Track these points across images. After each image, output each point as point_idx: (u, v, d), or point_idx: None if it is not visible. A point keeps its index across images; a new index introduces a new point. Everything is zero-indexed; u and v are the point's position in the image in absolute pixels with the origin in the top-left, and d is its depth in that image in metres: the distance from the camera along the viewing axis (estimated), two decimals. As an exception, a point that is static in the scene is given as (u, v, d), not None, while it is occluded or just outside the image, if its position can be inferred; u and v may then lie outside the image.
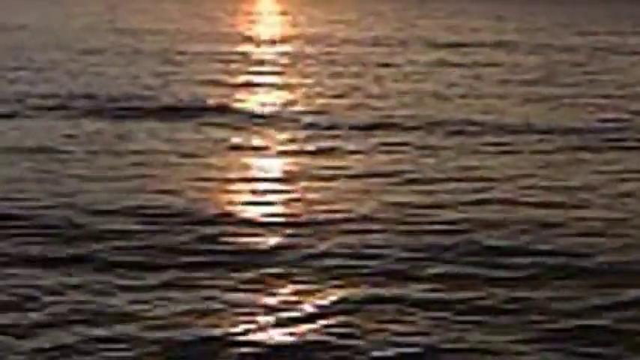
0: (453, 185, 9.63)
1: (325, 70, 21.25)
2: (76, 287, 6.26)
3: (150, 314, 5.78)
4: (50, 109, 14.42)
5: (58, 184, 9.35)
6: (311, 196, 9.04)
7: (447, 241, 7.52)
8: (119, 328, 5.53)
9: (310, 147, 11.63)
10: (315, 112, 14.57)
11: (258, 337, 5.45)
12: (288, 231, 7.75)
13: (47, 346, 5.24)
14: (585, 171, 10.52)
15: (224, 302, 6.02)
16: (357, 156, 11.14)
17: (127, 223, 7.89)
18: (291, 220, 8.11)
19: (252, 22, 42.49)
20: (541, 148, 11.87)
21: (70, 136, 12.16)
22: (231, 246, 7.29)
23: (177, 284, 6.37)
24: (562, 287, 6.46)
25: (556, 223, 8.15)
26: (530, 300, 6.18)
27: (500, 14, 55.24)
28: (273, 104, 15.32)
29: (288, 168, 10.37)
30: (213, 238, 7.48)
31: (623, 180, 10.07)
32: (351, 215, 8.30)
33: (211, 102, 15.34)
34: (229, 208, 8.46)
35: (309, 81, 18.89)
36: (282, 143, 11.88)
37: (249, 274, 6.60)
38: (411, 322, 5.74)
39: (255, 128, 13.06)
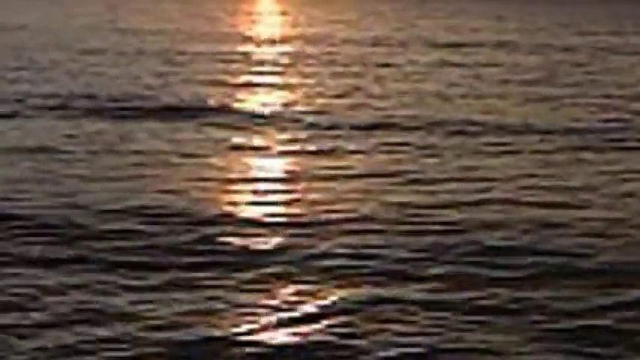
0: (453, 185, 9.63)
1: (326, 70, 21.25)
2: (77, 287, 6.26)
3: (151, 314, 5.79)
4: (51, 109, 14.42)
5: (59, 184, 9.36)
6: (312, 196, 9.04)
7: (448, 241, 7.52)
8: (121, 328, 5.53)
9: (311, 147, 11.63)
10: (316, 112, 14.57)
11: (260, 337, 5.46)
12: (290, 231, 7.76)
13: (49, 346, 5.25)
14: (586, 171, 10.53)
15: (226, 302, 6.03)
16: (358, 156, 11.15)
17: (128, 223, 7.90)
18: (293, 220, 8.11)
19: (252, 22, 42.50)
20: (542, 148, 11.88)
21: (70, 136, 12.16)
22: (232, 246, 7.29)
23: (179, 284, 6.38)
24: (563, 287, 6.46)
25: (557, 224, 8.16)
26: (531, 300, 6.18)
27: (500, 14, 55.26)
28: (274, 104, 15.32)
29: (289, 168, 10.38)
30: (214, 238, 7.48)
31: (624, 180, 10.08)
32: (352, 215, 8.30)
33: (212, 102, 15.34)
34: (230, 209, 8.46)
35: (309, 81, 18.89)
36: (282, 143, 11.88)
37: (250, 275, 6.60)
38: (413, 322, 5.74)
39: (256, 128, 13.07)
